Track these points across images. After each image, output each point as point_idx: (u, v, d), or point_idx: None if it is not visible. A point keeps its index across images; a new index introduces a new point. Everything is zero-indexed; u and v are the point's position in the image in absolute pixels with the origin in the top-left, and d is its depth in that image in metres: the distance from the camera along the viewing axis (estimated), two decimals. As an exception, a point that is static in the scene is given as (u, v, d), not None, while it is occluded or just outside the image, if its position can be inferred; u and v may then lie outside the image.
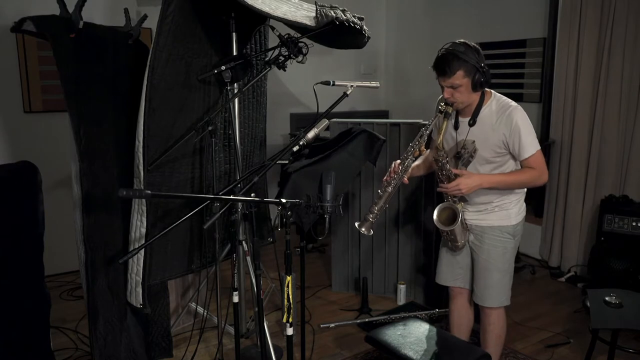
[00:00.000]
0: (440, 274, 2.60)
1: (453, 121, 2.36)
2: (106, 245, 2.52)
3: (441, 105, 2.24)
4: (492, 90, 2.33)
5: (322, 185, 2.07)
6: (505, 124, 2.22)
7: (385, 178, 2.34)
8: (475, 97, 2.25)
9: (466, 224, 2.41)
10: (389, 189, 2.29)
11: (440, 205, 2.35)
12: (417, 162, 2.53)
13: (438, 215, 2.32)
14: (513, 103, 2.26)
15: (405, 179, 2.32)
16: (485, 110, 2.27)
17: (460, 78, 2.14)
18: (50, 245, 2.41)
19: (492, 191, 2.32)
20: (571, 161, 4.04)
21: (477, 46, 2.18)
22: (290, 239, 1.85)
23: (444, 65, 2.14)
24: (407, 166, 2.29)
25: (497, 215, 2.35)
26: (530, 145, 2.22)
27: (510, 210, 2.35)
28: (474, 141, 2.29)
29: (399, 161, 2.32)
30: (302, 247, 2.42)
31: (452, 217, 2.31)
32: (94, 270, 2.46)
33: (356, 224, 2.31)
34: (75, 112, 2.36)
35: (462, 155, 2.32)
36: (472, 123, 2.28)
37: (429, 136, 2.34)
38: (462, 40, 2.18)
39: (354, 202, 3.68)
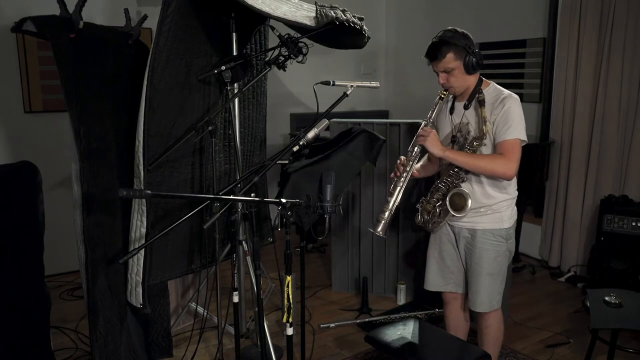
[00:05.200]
0: (430, 280, 2.53)
1: (450, 105, 2.37)
2: (106, 245, 2.52)
3: (442, 93, 2.29)
4: (492, 81, 2.33)
5: (322, 185, 2.07)
6: (498, 107, 2.20)
7: (392, 175, 2.33)
8: (471, 80, 2.26)
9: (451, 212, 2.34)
10: (399, 184, 2.27)
11: (455, 190, 2.28)
12: (422, 163, 2.52)
13: (450, 198, 2.27)
14: (509, 92, 2.26)
15: (416, 172, 2.34)
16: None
17: (451, 61, 2.19)
18: (50, 245, 2.40)
19: (485, 194, 2.29)
20: (571, 161, 4.04)
21: (467, 32, 2.23)
22: (290, 239, 1.85)
23: (434, 51, 2.20)
24: (415, 156, 2.30)
25: (489, 218, 2.30)
26: (514, 131, 2.17)
27: (502, 213, 2.31)
28: (468, 123, 2.29)
29: (403, 157, 2.32)
30: (302, 247, 2.42)
31: (461, 205, 2.25)
32: (94, 270, 2.46)
33: (370, 229, 2.27)
34: (75, 112, 2.36)
35: (458, 139, 2.31)
36: (467, 105, 2.28)
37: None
38: (450, 27, 2.23)
39: (354, 202, 3.68)
